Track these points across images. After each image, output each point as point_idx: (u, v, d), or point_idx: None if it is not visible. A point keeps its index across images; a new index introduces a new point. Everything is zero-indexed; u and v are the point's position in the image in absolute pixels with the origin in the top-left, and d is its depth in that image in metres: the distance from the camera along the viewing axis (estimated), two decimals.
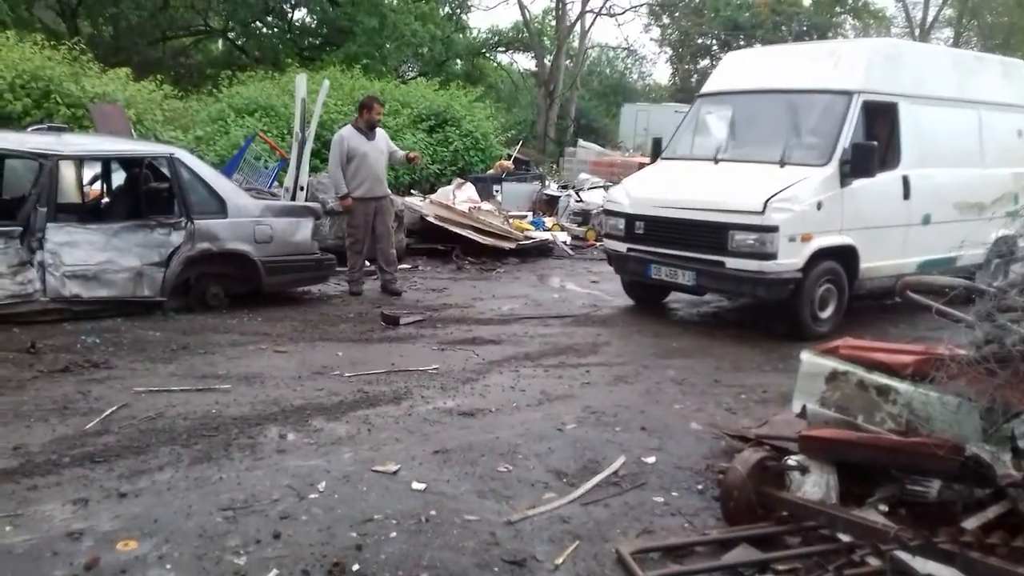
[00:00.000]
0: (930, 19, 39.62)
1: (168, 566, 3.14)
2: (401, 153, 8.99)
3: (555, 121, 30.27)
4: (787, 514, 3.43)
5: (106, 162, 8.56)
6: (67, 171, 8.16)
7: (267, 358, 6.17)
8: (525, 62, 37.08)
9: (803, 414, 3.96)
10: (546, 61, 31.45)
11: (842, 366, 3.81)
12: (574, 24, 32.20)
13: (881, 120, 7.77)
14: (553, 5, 32.11)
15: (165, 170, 7.48)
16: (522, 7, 31.25)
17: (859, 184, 7.30)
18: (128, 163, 8.09)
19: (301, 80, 9.58)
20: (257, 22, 27.88)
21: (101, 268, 6.92)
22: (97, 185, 9.15)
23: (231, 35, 29.08)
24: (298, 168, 9.27)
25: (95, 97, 13.17)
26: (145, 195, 7.49)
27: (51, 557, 3.17)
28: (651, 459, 4.41)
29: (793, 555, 3.22)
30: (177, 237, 7.25)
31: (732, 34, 36.17)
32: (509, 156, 18.13)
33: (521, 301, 8.77)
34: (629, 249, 8.03)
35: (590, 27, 33.85)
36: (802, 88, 7.89)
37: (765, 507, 3.51)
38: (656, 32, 43.74)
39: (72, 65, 14.16)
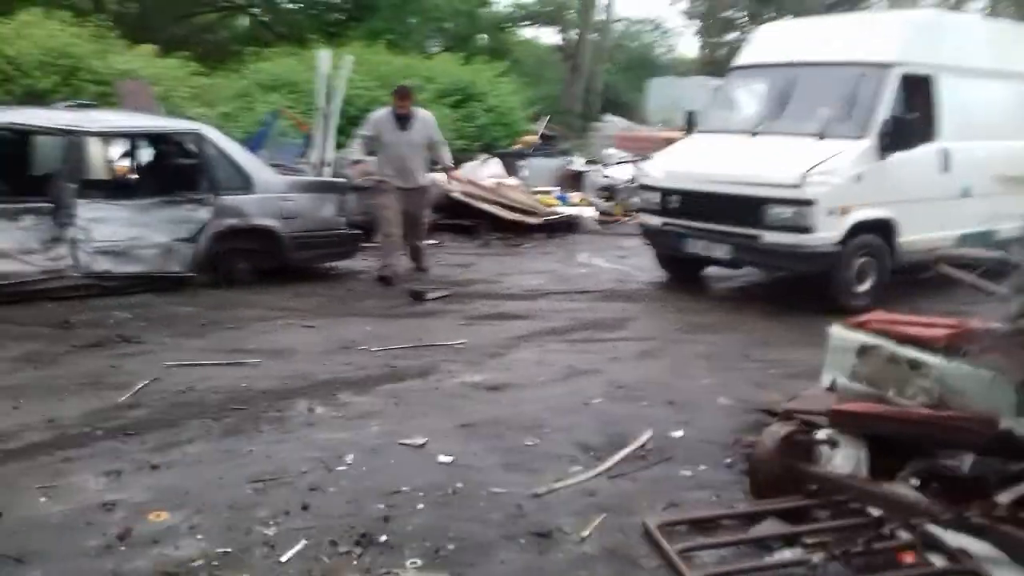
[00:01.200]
0: None
1: (199, 536, 3.18)
2: (445, 159, 8.63)
3: (581, 95, 30.03)
4: (816, 488, 3.40)
5: (134, 138, 8.60)
6: (95, 147, 8.21)
7: (295, 333, 6.22)
8: (550, 36, 36.81)
9: (833, 388, 3.92)
10: (572, 35, 31.19)
11: (872, 340, 3.76)
12: None
13: (919, 92, 7.64)
14: None
15: (192, 146, 7.52)
16: None
17: (897, 157, 7.19)
18: (155, 139, 8.13)
19: (324, 56, 9.57)
20: None
21: (131, 244, 6.98)
22: (126, 161, 9.21)
23: (256, 11, 29.07)
24: (324, 144, 9.27)
25: (121, 74, 13.24)
26: (173, 171, 7.53)
27: (85, 527, 3.22)
28: (678, 433, 4.39)
29: (822, 529, 3.20)
30: (205, 213, 7.29)
31: (762, 4, 35.57)
32: (535, 131, 18.02)
33: (547, 276, 8.75)
34: (664, 223, 7.98)
35: None
36: (839, 60, 7.78)
37: (794, 481, 3.48)
38: (684, 4, 43.15)
39: (99, 42, 14.24)
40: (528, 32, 36.08)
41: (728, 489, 3.76)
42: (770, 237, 7.10)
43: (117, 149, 9.31)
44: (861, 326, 3.90)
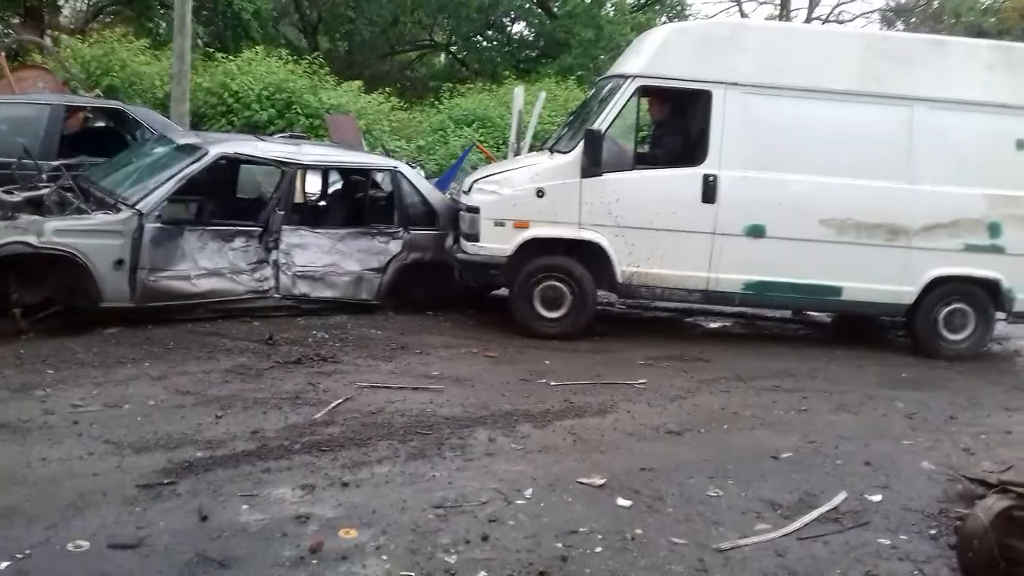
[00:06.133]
0: None
1: (384, 557, 3.26)
2: None
3: None
4: None
5: (338, 172, 9.02)
6: (302, 179, 8.74)
7: (477, 362, 6.33)
8: None
9: None
10: None
11: None
12: None
13: (687, 109, 7.19)
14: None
15: (388, 182, 7.89)
16: (742, 14, 30.48)
17: (617, 177, 6.85)
18: (355, 174, 8.55)
19: (519, 92, 9.79)
20: (478, 36, 28.87)
21: (327, 270, 7.35)
22: (316, 191, 9.68)
23: (453, 49, 30.29)
24: None
25: (330, 108, 14.17)
26: (368, 204, 7.92)
27: (280, 538, 3.38)
28: (876, 497, 4.11)
29: None
30: (395, 246, 7.58)
31: None
32: None
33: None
34: None
35: None
36: (612, 74, 7.69)
37: (1009, 561, 3.17)
38: None
39: (311, 78, 15.34)
40: None
41: (932, 562, 3.49)
42: (461, 246, 7.24)
43: (314, 179, 9.86)
44: None
